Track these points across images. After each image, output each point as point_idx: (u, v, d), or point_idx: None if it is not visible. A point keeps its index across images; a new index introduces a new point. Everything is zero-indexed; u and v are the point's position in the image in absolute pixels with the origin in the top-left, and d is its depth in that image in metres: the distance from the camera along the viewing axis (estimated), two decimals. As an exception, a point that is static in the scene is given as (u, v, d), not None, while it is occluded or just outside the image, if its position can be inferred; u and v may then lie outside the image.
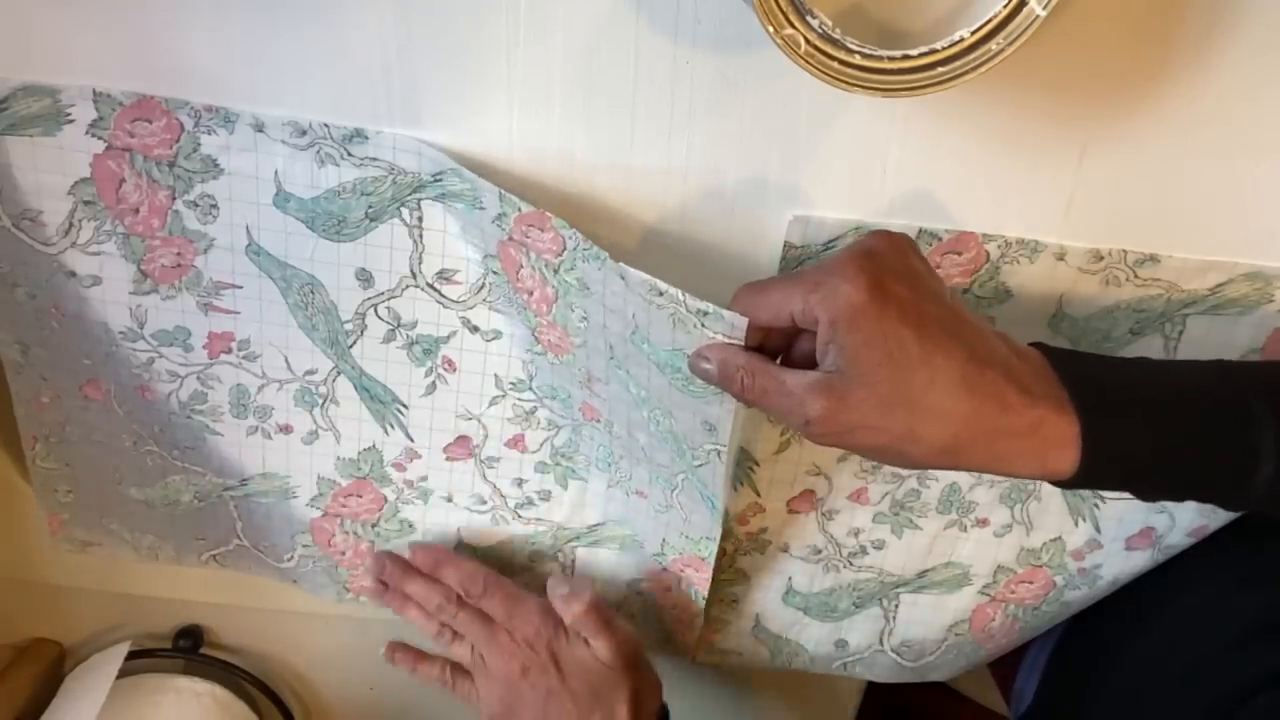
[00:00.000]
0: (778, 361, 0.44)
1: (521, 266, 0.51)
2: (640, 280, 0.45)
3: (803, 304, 0.41)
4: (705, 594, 0.60)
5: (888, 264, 0.41)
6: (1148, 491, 0.44)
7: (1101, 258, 0.51)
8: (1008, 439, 0.40)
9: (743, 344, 0.44)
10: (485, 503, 0.62)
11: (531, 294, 0.52)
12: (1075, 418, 0.40)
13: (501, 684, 0.58)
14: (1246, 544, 0.58)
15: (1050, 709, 0.67)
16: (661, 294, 0.44)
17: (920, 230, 0.50)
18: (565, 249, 0.48)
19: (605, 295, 0.48)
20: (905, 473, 0.59)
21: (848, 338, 0.39)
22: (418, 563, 0.61)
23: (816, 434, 0.41)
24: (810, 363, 0.42)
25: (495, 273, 0.52)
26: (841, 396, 0.40)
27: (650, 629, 0.66)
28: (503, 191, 0.48)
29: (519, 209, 0.48)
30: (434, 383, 0.57)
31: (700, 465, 0.51)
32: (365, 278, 0.54)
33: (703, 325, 0.44)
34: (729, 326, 0.43)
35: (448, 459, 0.60)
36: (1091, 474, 0.41)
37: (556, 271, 0.49)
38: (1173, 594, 0.61)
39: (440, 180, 0.50)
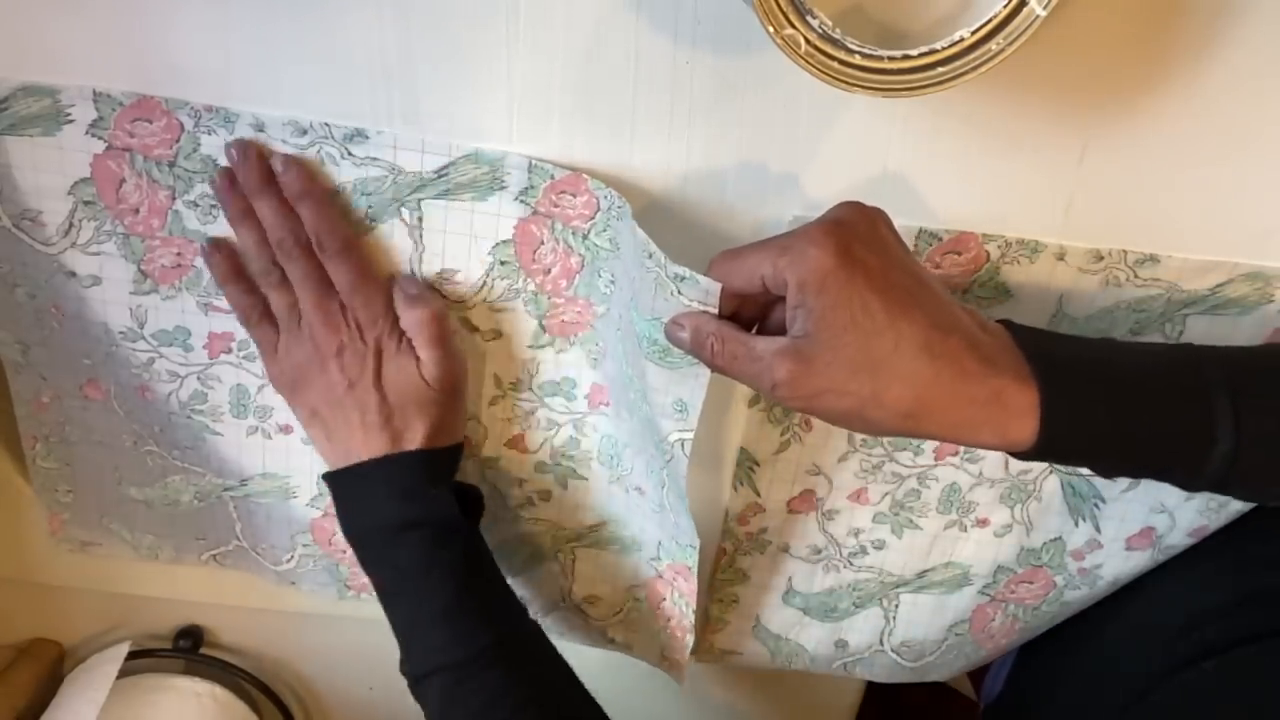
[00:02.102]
0: (753, 331, 0.45)
1: (541, 243, 0.51)
2: (640, 240, 0.46)
3: (773, 268, 0.42)
4: (694, 607, 0.60)
5: (857, 231, 0.42)
6: (1106, 467, 0.45)
7: (1101, 258, 0.51)
8: (968, 407, 0.41)
9: (716, 311, 0.45)
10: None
11: (549, 272, 0.52)
12: (1036, 389, 0.41)
13: (307, 352, 0.53)
14: (1224, 532, 0.58)
15: (1019, 695, 0.67)
16: (650, 256, 0.45)
17: (920, 230, 0.50)
18: (599, 210, 0.49)
19: (627, 255, 0.49)
20: (905, 473, 0.59)
21: (815, 301, 0.40)
22: (286, 180, 0.51)
23: (784, 397, 0.42)
24: (783, 332, 0.43)
25: (504, 262, 0.53)
26: (808, 361, 0.41)
27: (646, 639, 0.66)
28: (534, 161, 0.48)
29: (552, 176, 0.49)
30: (434, 383, 0.57)
31: (669, 460, 0.51)
32: (365, 278, 0.54)
33: (679, 291, 0.45)
34: (703, 292, 0.44)
35: (448, 459, 0.60)
36: (1051, 446, 0.42)
37: (586, 237, 0.50)
38: (1139, 582, 0.62)
39: (445, 175, 0.50)
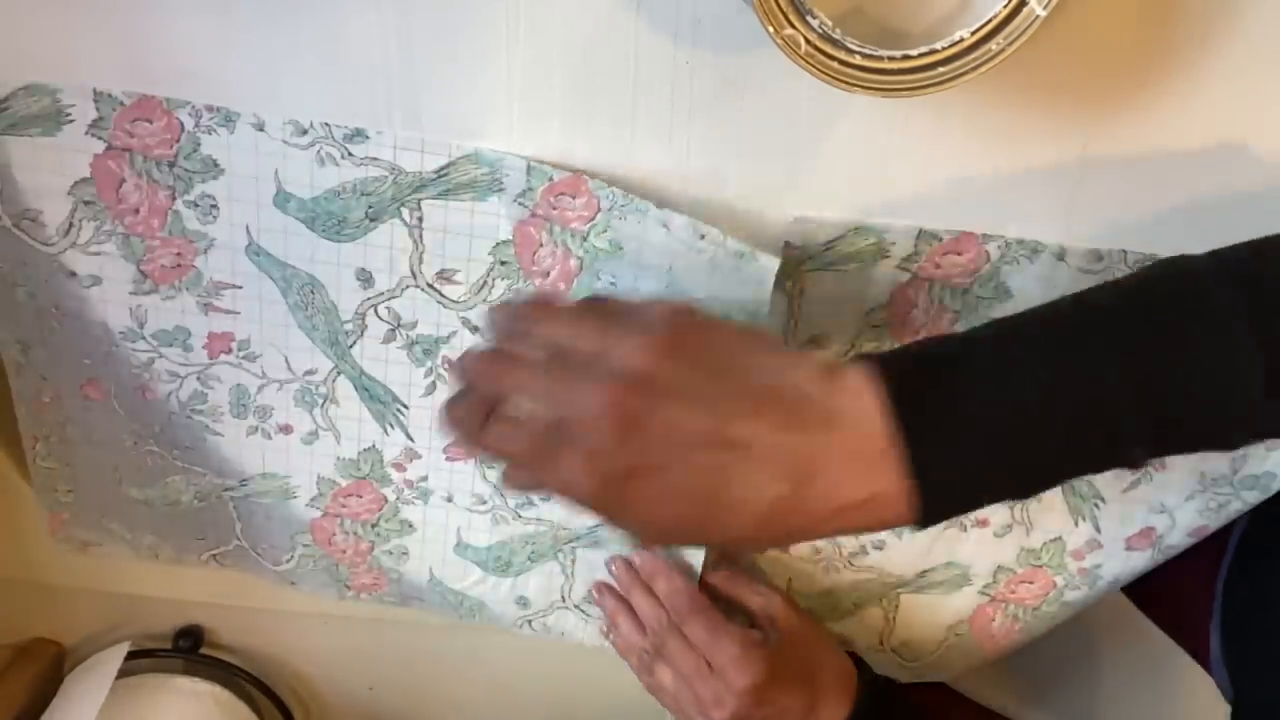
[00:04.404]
0: None
1: (540, 245, 0.51)
2: (683, 225, 0.47)
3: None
4: None
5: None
6: (1014, 496, 0.40)
7: (1101, 258, 0.51)
8: (840, 521, 0.37)
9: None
10: (485, 502, 0.62)
11: (548, 275, 0.52)
12: (902, 478, 0.36)
13: None
14: None
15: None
16: (703, 237, 0.46)
17: (920, 230, 0.50)
18: (599, 211, 0.49)
19: (641, 252, 0.49)
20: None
21: None
22: (639, 567, 0.59)
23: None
24: None
25: (504, 262, 0.53)
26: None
27: None
28: (532, 162, 0.49)
29: (550, 178, 0.49)
30: (434, 383, 0.57)
31: None
32: (365, 278, 0.54)
33: (738, 269, 0.46)
34: (762, 269, 0.47)
35: (448, 459, 0.60)
36: (940, 513, 0.37)
37: (585, 239, 0.50)
38: None
39: (445, 175, 0.50)
